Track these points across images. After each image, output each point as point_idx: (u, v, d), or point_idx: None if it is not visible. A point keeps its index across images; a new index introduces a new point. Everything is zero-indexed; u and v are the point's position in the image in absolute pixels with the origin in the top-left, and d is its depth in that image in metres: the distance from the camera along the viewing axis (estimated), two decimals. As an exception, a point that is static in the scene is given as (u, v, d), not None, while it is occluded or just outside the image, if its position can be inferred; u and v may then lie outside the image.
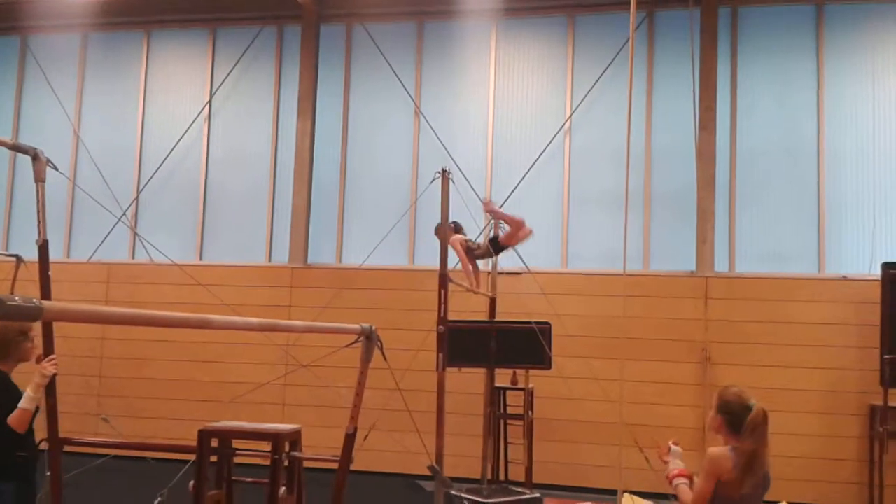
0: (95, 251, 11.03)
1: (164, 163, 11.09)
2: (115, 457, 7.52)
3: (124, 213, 10.84)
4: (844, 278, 9.22)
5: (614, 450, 6.86)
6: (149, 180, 11.13)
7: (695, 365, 9.26)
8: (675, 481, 3.74)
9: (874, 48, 9.63)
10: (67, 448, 5.27)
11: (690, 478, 3.78)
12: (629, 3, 6.65)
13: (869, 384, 8.78)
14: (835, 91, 9.66)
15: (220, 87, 11.15)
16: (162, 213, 11.18)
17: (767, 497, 3.71)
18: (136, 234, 10.80)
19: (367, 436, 7.01)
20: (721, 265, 9.60)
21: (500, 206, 9.92)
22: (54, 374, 4.62)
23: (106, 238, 10.94)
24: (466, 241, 7.33)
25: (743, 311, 9.28)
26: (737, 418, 3.56)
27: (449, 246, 6.99)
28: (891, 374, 8.30)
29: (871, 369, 8.70)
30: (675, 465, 3.83)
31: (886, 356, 8.38)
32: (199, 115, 11.13)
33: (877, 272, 8.78)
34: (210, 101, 11.17)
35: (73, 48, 11.67)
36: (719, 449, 3.58)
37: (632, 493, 7.30)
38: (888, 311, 8.51)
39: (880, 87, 9.57)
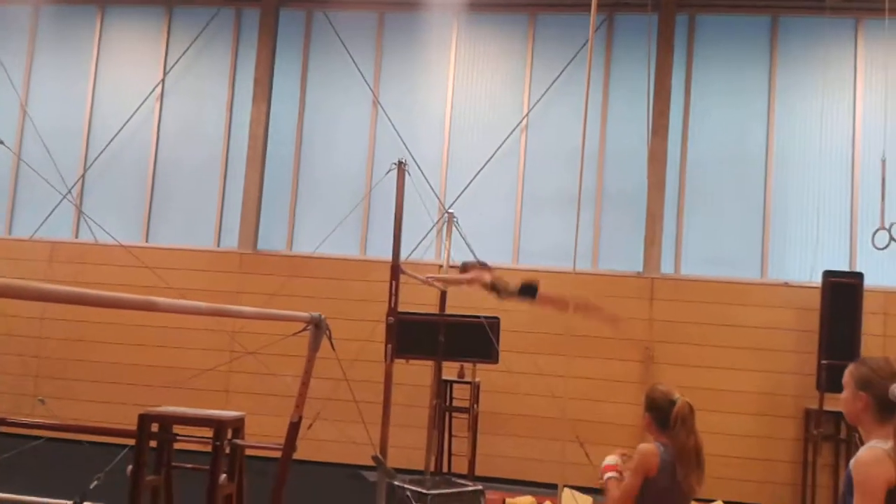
0: (38, 228, 10.75)
1: (113, 141, 10.86)
2: (52, 439, 7.34)
3: (69, 191, 10.58)
4: (786, 284, 9.44)
5: (557, 444, 6.95)
6: (96, 158, 10.88)
7: (638, 363, 9.41)
8: (606, 475, 3.78)
9: (826, 61, 9.86)
10: (1, 429, 5.14)
11: (621, 472, 3.84)
12: (590, 5, 6.70)
13: (806, 388, 9.02)
14: (785, 101, 9.88)
15: (173, 67, 10.94)
16: (109, 192, 10.94)
17: (703, 495, 3.79)
18: (80, 212, 10.56)
19: (311, 425, 6.97)
20: (667, 267, 9.76)
21: (454, 201, 9.95)
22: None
23: (50, 215, 10.67)
24: (494, 281, 6.98)
25: (687, 312, 9.46)
26: (663, 413, 3.63)
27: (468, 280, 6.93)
28: (827, 379, 8.53)
29: (808, 374, 8.94)
30: (608, 461, 3.88)
31: (823, 361, 8.61)
32: (150, 94, 10.92)
33: (818, 280, 9.02)
34: (163, 81, 10.96)
35: (24, 20, 11.34)
36: (648, 445, 3.65)
37: (572, 487, 7.39)
38: (827, 317, 8.76)
39: (829, 100, 9.81)
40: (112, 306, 2.56)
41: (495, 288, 6.94)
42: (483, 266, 7.09)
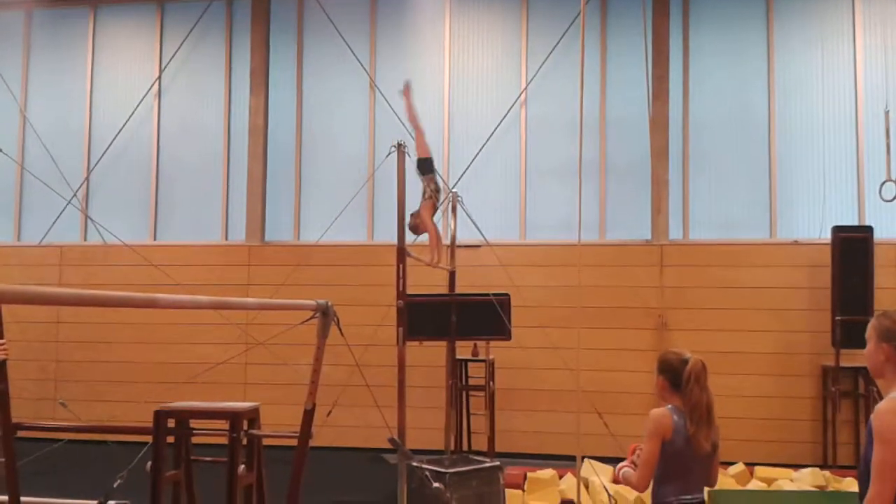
0: (46, 234, 10.81)
1: (115, 141, 10.87)
2: (75, 441, 7.42)
3: (74, 195, 10.62)
4: (796, 243, 9.40)
5: (574, 417, 6.96)
6: (99, 160, 10.91)
7: (652, 331, 9.40)
8: (622, 472, 3.75)
9: (823, 17, 9.74)
10: (22, 433, 5.19)
11: (634, 464, 3.80)
12: (581, -27, 6.63)
13: (821, 346, 9.00)
14: (785, 59, 9.78)
15: (169, 63, 10.93)
16: (114, 193, 10.98)
17: (723, 458, 3.79)
18: (86, 216, 10.60)
19: (329, 412, 7.02)
20: (675, 233, 9.73)
21: (458, 180, 9.95)
22: (4, 360, 4.53)
23: (56, 220, 10.72)
24: (431, 197, 7.18)
25: (698, 277, 9.43)
26: (676, 373, 3.65)
27: (425, 226, 7.01)
28: (842, 336, 8.52)
29: (823, 331, 8.91)
30: (619, 465, 3.86)
31: (837, 318, 8.59)
32: (148, 92, 10.91)
33: (827, 236, 8.98)
34: (160, 78, 10.95)
35: (17, 26, 11.34)
36: (659, 409, 3.66)
37: (591, 458, 7.41)
38: (838, 273, 8.72)
39: (829, 55, 9.70)
40: (115, 305, 2.57)
41: (434, 200, 7.21)
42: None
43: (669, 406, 3.65)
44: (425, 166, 7.23)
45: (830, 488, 7.26)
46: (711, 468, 3.73)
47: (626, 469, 3.75)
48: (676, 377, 3.65)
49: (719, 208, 9.77)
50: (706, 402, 3.60)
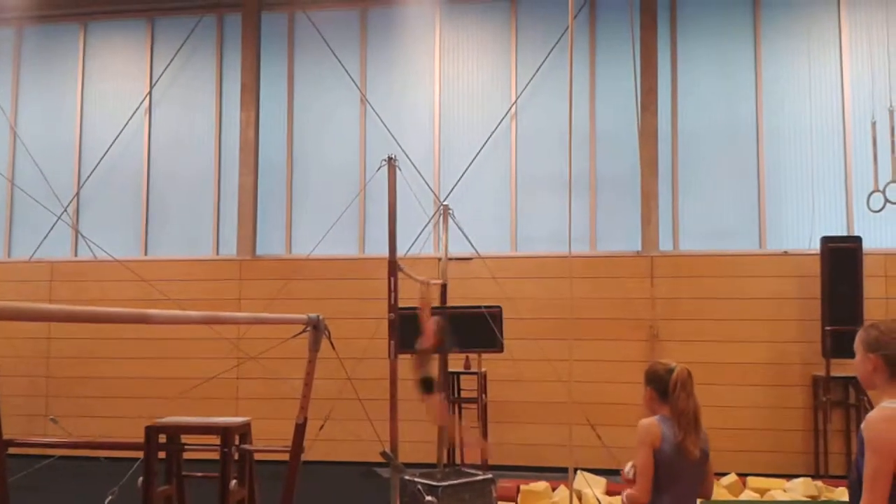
0: (37, 249, 10.78)
1: (105, 157, 10.87)
2: (66, 457, 7.38)
3: (65, 210, 10.61)
4: (785, 253, 9.45)
5: (566, 429, 6.97)
6: (89, 175, 10.90)
7: (643, 343, 9.42)
8: (626, 496, 3.70)
9: (810, 28, 9.84)
10: (13, 450, 5.17)
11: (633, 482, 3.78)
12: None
13: (811, 356, 9.04)
14: (772, 70, 9.87)
15: (159, 78, 10.94)
16: (105, 208, 10.96)
17: (715, 469, 3.80)
18: (77, 231, 10.58)
19: (321, 426, 6.99)
20: (665, 244, 9.77)
21: (449, 193, 9.97)
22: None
23: (47, 236, 10.69)
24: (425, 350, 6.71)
25: (688, 288, 9.46)
26: (663, 383, 3.70)
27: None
28: (832, 346, 8.55)
29: (813, 341, 8.95)
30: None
31: (827, 328, 8.62)
32: (139, 107, 10.92)
33: (816, 246, 9.03)
34: (150, 93, 10.97)
35: (7, 42, 11.35)
36: (647, 419, 3.69)
37: (584, 470, 7.41)
38: (828, 283, 8.76)
39: (816, 67, 9.79)
40: (106, 321, 2.57)
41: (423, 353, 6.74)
42: (440, 330, 6.79)
43: (657, 416, 3.68)
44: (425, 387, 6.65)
45: (823, 498, 7.27)
46: (705, 478, 3.73)
47: (628, 492, 3.73)
48: (664, 387, 3.69)
49: (709, 219, 9.82)
50: (693, 408, 3.64)
